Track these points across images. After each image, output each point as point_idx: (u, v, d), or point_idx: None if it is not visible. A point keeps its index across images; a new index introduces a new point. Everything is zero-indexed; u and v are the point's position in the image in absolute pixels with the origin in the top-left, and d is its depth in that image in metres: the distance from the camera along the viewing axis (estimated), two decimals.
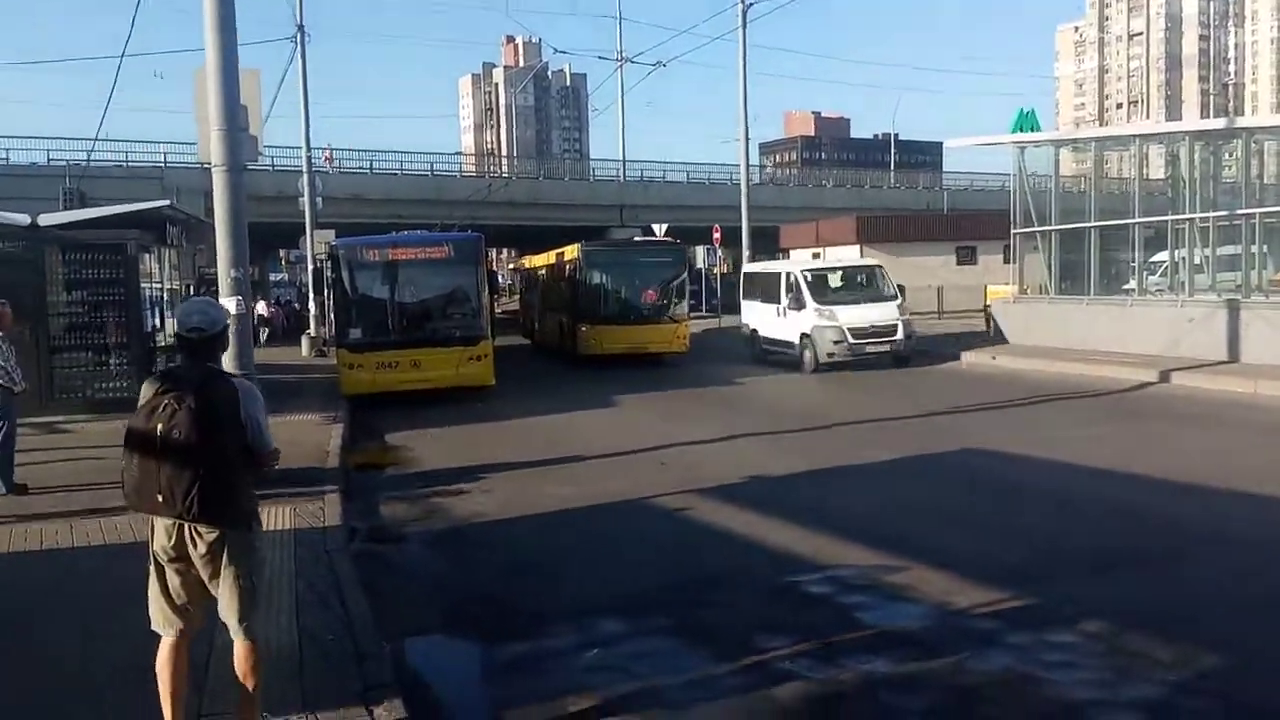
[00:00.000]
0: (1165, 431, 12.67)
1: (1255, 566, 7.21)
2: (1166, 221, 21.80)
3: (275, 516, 8.67)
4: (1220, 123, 22.50)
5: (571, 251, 24.67)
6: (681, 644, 6.12)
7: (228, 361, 10.71)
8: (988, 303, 28.40)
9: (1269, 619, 6.13)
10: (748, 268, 27.93)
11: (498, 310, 25.02)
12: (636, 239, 27.73)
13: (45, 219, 15.97)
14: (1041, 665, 5.45)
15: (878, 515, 8.92)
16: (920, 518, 8.77)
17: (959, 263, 38.79)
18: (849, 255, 39.19)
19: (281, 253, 69.63)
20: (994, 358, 21.89)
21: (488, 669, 5.86)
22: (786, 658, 5.68)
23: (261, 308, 34.47)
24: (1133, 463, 10.64)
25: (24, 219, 15.63)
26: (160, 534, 4.26)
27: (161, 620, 4.36)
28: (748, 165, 34.90)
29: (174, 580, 4.32)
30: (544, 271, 30.17)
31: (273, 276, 63.67)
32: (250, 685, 4.37)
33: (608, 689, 5.35)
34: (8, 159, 39.15)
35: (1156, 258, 23.63)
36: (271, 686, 5.00)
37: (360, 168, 47.18)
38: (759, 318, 24.21)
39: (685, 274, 24.73)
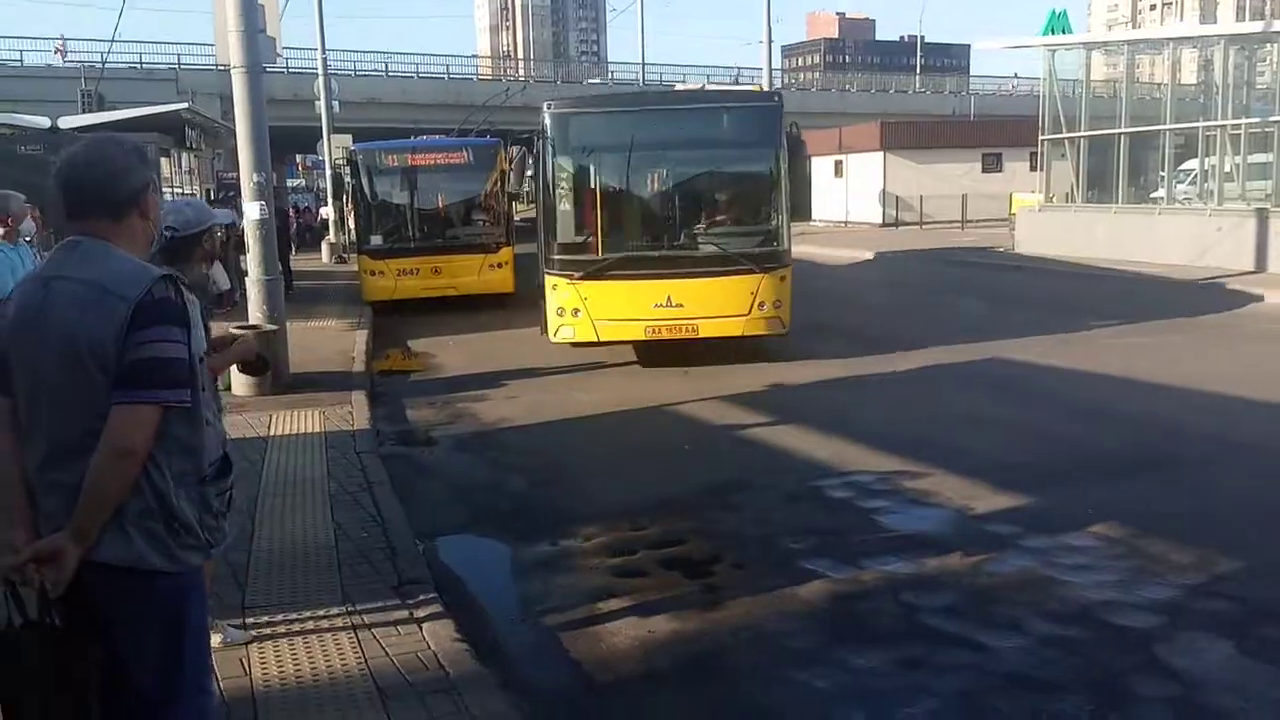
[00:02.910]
0: (1190, 341, 12.62)
1: (1276, 473, 7.27)
2: (1197, 128, 21.38)
3: (305, 419, 8.85)
4: (1256, 26, 21.86)
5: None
6: (707, 545, 6.26)
7: (252, 264, 10.87)
8: (1013, 212, 28.05)
9: None
10: None
11: (516, 218, 23.34)
12: (679, 88, 16.60)
13: (65, 122, 15.94)
14: (1060, 567, 5.56)
15: (899, 420, 9.00)
16: (940, 423, 8.84)
17: (984, 170, 38.21)
18: (871, 163, 38.77)
19: (298, 158, 69.17)
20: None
21: (518, 568, 6.01)
22: (809, 559, 5.81)
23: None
24: (1157, 371, 10.65)
25: (44, 122, 15.62)
26: None
27: None
28: (771, 69, 34.22)
29: None
30: None
31: (290, 182, 63.33)
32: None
33: (635, 588, 5.50)
34: (22, 60, 38.83)
35: (1186, 165, 23.25)
36: (310, 580, 5.21)
37: (375, 70, 46.52)
38: None
39: (782, 158, 11.40)
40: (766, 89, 12.94)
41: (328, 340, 13.43)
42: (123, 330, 2.40)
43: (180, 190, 17.87)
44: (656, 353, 11.65)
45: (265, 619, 4.71)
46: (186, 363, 2.48)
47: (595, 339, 11.31)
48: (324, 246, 28.53)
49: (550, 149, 11.34)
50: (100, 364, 2.40)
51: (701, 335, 11.22)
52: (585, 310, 11.15)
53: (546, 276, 11.47)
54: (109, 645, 2.46)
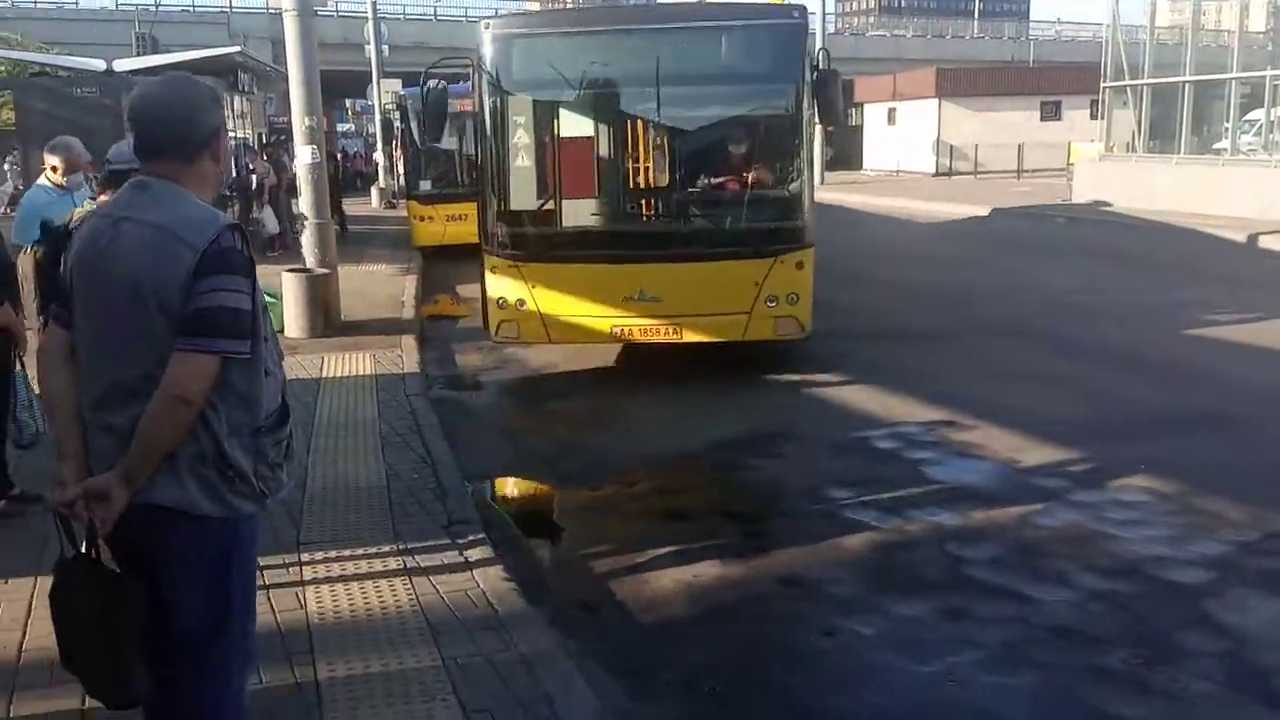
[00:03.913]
0: (1253, 297, 12.33)
1: None
2: (1265, 77, 20.67)
3: (356, 362, 8.99)
4: None
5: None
6: (752, 493, 6.29)
7: (305, 208, 10.97)
8: (1071, 161, 27.44)
9: None
10: None
11: None
12: None
13: (120, 64, 16.08)
14: (1110, 522, 5.51)
15: (949, 373, 8.92)
16: (991, 377, 8.75)
17: (1043, 119, 37.38)
18: (926, 110, 38.07)
19: (348, 103, 69.38)
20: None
21: (564, 510, 6.08)
22: (854, 508, 5.81)
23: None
24: (1216, 326, 10.43)
25: (100, 64, 15.79)
26: None
27: None
28: (824, 14, 33.57)
29: None
30: None
31: (340, 127, 63.54)
32: None
33: (680, 533, 5.55)
34: (78, 3, 39.19)
35: (1251, 115, 22.54)
36: (362, 519, 5.32)
37: (424, 14, 46.38)
38: None
39: (805, 96, 8.47)
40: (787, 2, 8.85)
41: (378, 285, 13.56)
42: (188, 278, 2.37)
43: (233, 134, 17.99)
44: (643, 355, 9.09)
45: (320, 555, 4.83)
46: (249, 313, 2.45)
47: (545, 339, 8.75)
48: (374, 191, 28.69)
49: (488, 85, 8.40)
50: (163, 309, 2.38)
51: (687, 339, 8.53)
52: (533, 302, 8.49)
53: (485, 256, 8.73)
54: (155, 586, 2.49)
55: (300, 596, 4.41)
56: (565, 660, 3.94)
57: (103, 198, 4.69)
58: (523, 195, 8.82)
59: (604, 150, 9.12)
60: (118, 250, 2.44)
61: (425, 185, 18.02)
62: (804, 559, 5.22)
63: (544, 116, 8.89)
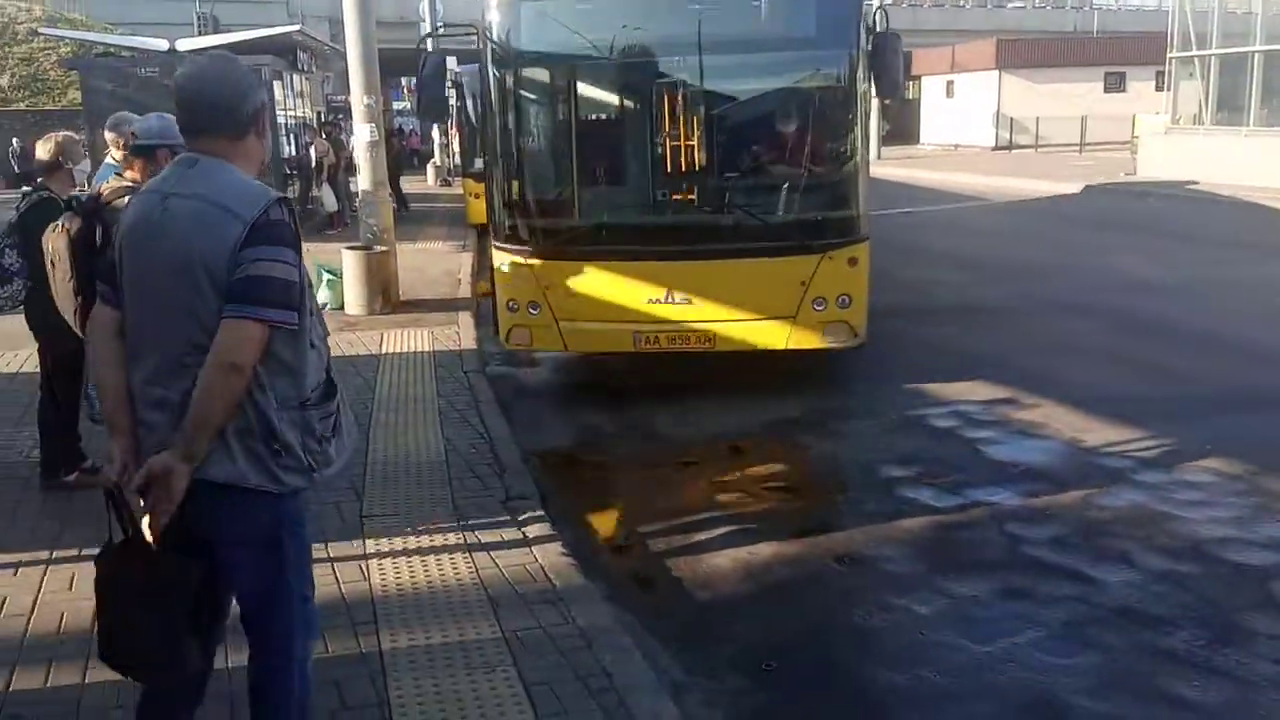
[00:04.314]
0: None
1: None
2: None
3: (414, 339, 9.11)
4: None
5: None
6: (809, 471, 6.29)
7: (363, 186, 11.09)
8: (1136, 134, 26.79)
9: None
10: None
11: None
12: None
13: (182, 44, 16.33)
14: (1175, 503, 5.42)
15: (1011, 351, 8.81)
16: (1055, 355, 8.62)
17: (1106, 90, 36.53)
18: (985, 83, 37.40)
19: (403, 81, 69.83)
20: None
21: (621, 487, 6.12)
22: (912, 487, 5.78)
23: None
24: None
25: (162, 44, 16.05)
26: None
27: None
28: None
29: None
30: None
31: (395, 105, 63.95)
32: None
33: (736, 511, 5.56)
34: None
35: None
36: (423, 493, 5.40)
37: None
38: None
39: (860, 66, 7.26)
40: None
41: (435, 262, 13.70)
42: (236, 248, 2.40)
43: (292, 113, 18.20)
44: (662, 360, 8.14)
45: (382, 528, 4.92)
46: (296, 285, 2.47)
47: (561, 348, 7.85)
48: (429, 169, 28.91)
49: (494, 57, 7.39)
50: (212, 281, 2.40)
51: (721, 349, 7.52)
52: (546, 305, 7.50)
53: (493, 252, 7.84)
54: (210, 559, 2.54)
55: (364, 569, 4.50)
56: (622, 635, 3.98)
57: (129, 173, 4.74)
58: (534, 183, 7.90)
59: (627, 130, 7.95)
60: (167, 225, 2.47)
61: (480, 163, 18.06)
62: (861, 537, 5.20)
63: (558, 92, 7.83)
